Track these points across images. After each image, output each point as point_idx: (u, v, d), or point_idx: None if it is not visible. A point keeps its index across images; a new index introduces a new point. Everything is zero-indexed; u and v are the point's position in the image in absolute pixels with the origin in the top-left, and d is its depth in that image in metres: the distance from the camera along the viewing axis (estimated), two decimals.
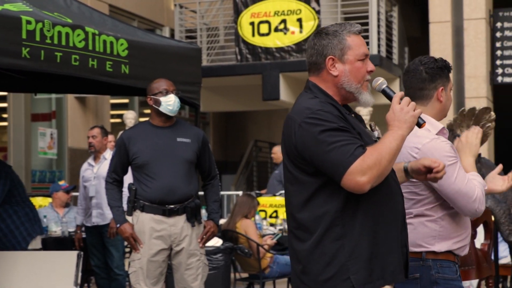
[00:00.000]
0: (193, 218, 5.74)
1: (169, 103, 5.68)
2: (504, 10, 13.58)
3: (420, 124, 3.12)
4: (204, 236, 5.85)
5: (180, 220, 5.69)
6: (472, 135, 3.77)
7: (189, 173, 5.75)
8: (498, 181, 3.82)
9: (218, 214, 6.03)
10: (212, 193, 6.00)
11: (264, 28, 13.78)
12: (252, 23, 13.84)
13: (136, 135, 5.75)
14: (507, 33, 13.29)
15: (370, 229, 3.02)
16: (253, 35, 13.81)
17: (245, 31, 13.85)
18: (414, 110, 3.05)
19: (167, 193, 5.62)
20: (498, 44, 13.28)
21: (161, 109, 5.70)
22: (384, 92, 3.22)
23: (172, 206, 5.65)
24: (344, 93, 3.14)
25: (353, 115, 3.19)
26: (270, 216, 10.95)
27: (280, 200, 11.23)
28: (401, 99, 3.08)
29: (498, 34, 13.31)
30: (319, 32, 3.21)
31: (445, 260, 3.62)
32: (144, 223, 5.64)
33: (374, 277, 3.02)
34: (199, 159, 5.85)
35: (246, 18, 13.88)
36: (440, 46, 12.58)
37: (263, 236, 8.63)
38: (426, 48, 12.90)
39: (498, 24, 13.32)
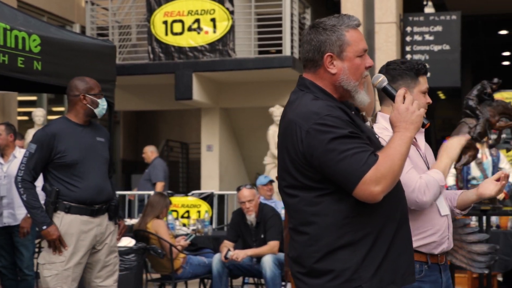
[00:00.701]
0: (115, 216, 5.71)
1: (104, 107, 5.61)
2: (414, 14, 13.83)
3: (424, 124, 3.04)
4: (120, 233, 5.88)
5: (104, 219, 5.63)
6: (456, 140, 3.81)
7: (107, 173, 5.72)
8: (489, 185, 3.79)
9: (121, 212, 6.06)
10: (113, 191, 5.96)
11: (177, 27, 13.69)
12: (165, 22, 13.74)
13: (61, 132, 5.52)
14: (416, 37, 13.53)
15: (381, 233, 2.90)
16: (166, 34, 13.71)
17: (158, 30, 13.74)
18: (418, 109, 2.92)
19: (97, 193, 5.53)
20: (408, 48, 13.51)
21: (97, 111, 5.60)
22: (385, 90, 3.09)
23: (98, 206, 5.56)
24: (342, 91, 3.00)
25: (353, 112, 3.04)
26: (182, 217, 10.89)
27: (192, 200, 11.18)
28: (404, 98, 2.95)
29: (408, 38, 13.54)
30: (316, 26, 3.01)
31: None
32: (72, 225, 5.47)
33: (385, 283, 2.90)
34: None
35: (159, 16, 13.76)
36: None
37: (176, 236, 8.56)
38: None
39: (408, 29, 13.56)
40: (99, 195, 5.55)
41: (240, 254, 7.85)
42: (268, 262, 7.70)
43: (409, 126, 2.87)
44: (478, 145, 9.26)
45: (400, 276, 2.92)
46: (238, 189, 8.22)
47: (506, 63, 26.14)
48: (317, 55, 2.98)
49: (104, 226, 5.62)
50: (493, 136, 6.62)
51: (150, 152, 13.06)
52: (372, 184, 2.76)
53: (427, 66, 3.80)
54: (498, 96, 9.35)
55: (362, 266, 2.86)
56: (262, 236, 8.03)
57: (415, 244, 3.51)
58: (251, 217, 8.04)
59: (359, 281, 2.86)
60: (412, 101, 2.92)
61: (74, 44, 6.32)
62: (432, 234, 3.62)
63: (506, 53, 25.08)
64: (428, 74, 13.34)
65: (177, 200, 10.97)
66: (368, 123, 3.11)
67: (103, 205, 5.61)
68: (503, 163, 9.86)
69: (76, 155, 5.48)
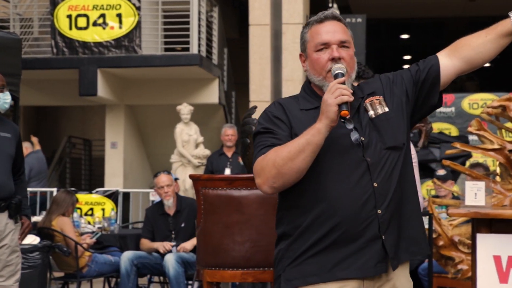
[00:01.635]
0: (16, 214, 5.52)
1: (7, 100, 5.43)
2: None
3: (340, 111, 2.82)
4: (23, 233, 5.67)
5: (3, 217, 5.43)
6: None
7: (10, 169, 5.53)
8: None
9: (29, 210, 5.86)
10: (22, 188, 5.77)
11: (82, 22, 13.47)
12: (69, 16, 13.50)
13: None
14: None
15: (309, 229, 2.93)
16: (70, 28, 13.47)
17: (62, 24, 13.49)
18: (336, 97, 2.80)
19: None
20: None
21: None
22: (335, 77, 2.94)
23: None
24: (319, 88, 3.05)
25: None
26: (86, 214, 10.74)
27: (96, 198, 11.03)
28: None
29: None
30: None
31: None
32: None
33: (304, 274, 2.93)
34: (15, 154, 5.62)
35: (63, 10, 13.51)
36: (259, 48, 12.77)
37: (81, 234, 8.42)
38: (246, 50, 13.07)
39: None
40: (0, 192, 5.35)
41: (188, 246, 7.82)
42: (170, 261, 7.68)
43: (321, 116, 2.83)
44: None
45: (326, 270, 2.92)
46: (156, 176, 8.27)
47: (407, 66, 26.70)
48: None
49: (3, 224, 5.42)
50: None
51: (25, 148, 12.80)
52: (256, 176, 2.91)
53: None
54: None
55: (285, 255, 2.98)
56: (183, 225, 8.03)
57: None
58: (169, 202, 8.05)
59: (281, 269, 2.99)
60: (334, 89, 2.83)
61: None
62: None
63: (407, 57, 25.64)
64: None
65: (81, 198, 10.80)
66: (371, 113, 3.00)
67: (2, 203, 5.40)
68: None
69: None
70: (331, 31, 3.03)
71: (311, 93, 3.07)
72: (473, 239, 4.78)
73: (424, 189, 11.21)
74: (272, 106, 3.07)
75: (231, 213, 4.80)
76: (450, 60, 3.04)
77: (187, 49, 13.38)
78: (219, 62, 14.71)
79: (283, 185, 2.90)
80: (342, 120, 2.94)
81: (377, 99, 3.02)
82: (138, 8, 13.30)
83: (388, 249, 2.90)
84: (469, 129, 5.73)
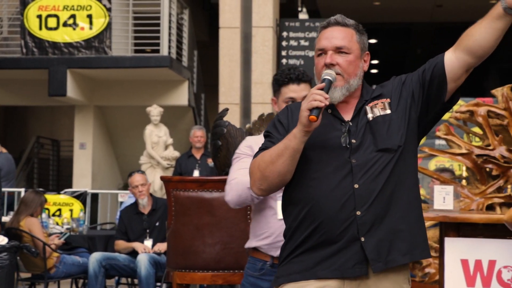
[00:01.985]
0: None
1: None
2: (290, 20, 14.06)
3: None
4: None
5: None
6: None
7: None
8: None
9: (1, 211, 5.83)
10: None
11: (52, 22, 13.40)
12: (39, 16, 13.42)
13: None
14: (292, 42, 13.75)
15: (298, 229, 3.00)
16: (40, 28, 13.40)
17: (32, 24, 13.41)
18: (309, 102, 2.86)
19: None
20: (283, 53, 13.71)
21: None
22: (323, 82, 2.99)
23: None
24: None
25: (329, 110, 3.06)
26: (53, 215, 10.69)
27: (64, 198, 10.98)
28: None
29: (284, 43, 13.75)
30: None
31: (251, 256, 3.82)
32: None
33: (290, 272, 3.01)
34: None
35: (33, 10, 13.44)
36: (229, 51, 12.79)
37: (49, 235, 8.39)
38: (216, 53, 13.10)
39: (284, 33, 13.77)
40: None
41: (163, 248, 7.82)
42: (143, 261, 7.68)
43: (298, 124, 2.90)
44: None
45: (309, 269, 2.97)
46: (130, 175, 8.30)
47: (374, 71, 26.89)
48: None
49: None
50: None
51: None
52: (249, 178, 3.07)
53: (295, 75, 3.85)
54: None
55: (281, 255, 3.07)
56: (157, 224, 8.04)
57: (257, 244, 3.80)
58: (143, 201, 8.07)
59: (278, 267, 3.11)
60: (308, 95, 2.91)
61: None
62: (266, 237, 3.80)
63: (375, 61, 25.79)
64: None
65: (49, 198, 10.74)
66: (369, 115, 3.02)
67: None
68: None
69: None
70: (330, 37, 3.08)
71: None
72: (441, 242, 4.84)
73: None
74: (283, 109, 3.19)
75: (202, 215, 4.82)
76: (454, 54, 3.03)
77: (157, 51, 13.37)
78: (189, 64, 14.72)
79: (269, 188, 3.02)
80: (343, 123, 3.01)
81: (382, 102, 3.05)
82: (109, 10, 13.27)
83: (368, 251, 2.91)
84: (438, 133, 5.80)
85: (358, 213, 2.91)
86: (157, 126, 11.86)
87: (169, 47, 13.40)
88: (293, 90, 3.83)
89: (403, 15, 18.48)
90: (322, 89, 2.93)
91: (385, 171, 2.96)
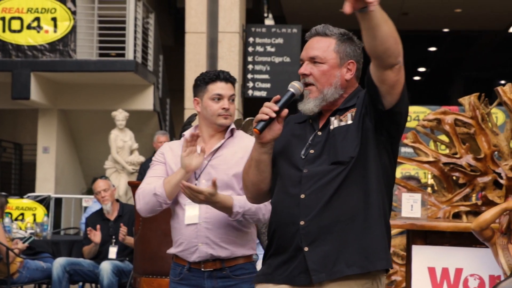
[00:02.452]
0: None
1: None
2: (256, 26, 14.05)
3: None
4: None
5: None
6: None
7: None
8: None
9: None
10: None
11: (15, 25, 13.27)
12: (3, 18, 13.28)
13: None
14: (258, 48, 13.75)
15: (272, 237, 3.10)
16: (4, 31, 13.25)
17: None
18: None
19: None
20: (249, 59, 13.70)
21: None
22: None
23: None
24: None
25: (308, 120, 3.13)
26: (16, 219, 10.57)
27: (27, 203, 10.87)
28: None
29: (250, 49, 13.74)
30: None
31: (173, 261, 3.95)
32: None
33: (260, 273, 3.15)
34: None
35: None
36: (195, 56, 12.76)
37: (13, 239, 8.29)
38: (182, 58, 13.05)
39: (251, 39, 13.76)
40: None
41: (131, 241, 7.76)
42: (106, 270, 7.63)
43: None
44: None
45: (270, 272, 3.07)
46: (93, 181, 8.27)
47: None
48: None
49: None
50: None
51: None
52: None
53: (223, 74, 3.95)
54: None
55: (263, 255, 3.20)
56: None
57: (173, 251, 3.92)
58: (107, 206, 8.02)
59: None
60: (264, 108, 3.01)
61: None
62: (180, 243, 3.89)
63: None
64: (268, 85, 13.67)
65: (11, 202, 10.63)
66: (331, 127, 3.04)
67: None
68: None
69: None
70: (307, 47, 3.10)
71: None
72: (408, 250, 4.86)
73: None
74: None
75: (169, 221, 4.79)
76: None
77: (122, 55, 13.30)
78: (155, 68, 14.66)
79: (252, 196, 3.23)
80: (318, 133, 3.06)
81: (350, 112, 3.03)
82: (74, 13, 13.17)
83: (310, 262, 2.92)
84: (405, 141, 5.82)
85: (302, 223, 2.94)
86: (122, 130, 11.79)
87: (135, 51, 13.33)
88: (221, 87, 3.91)
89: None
90: (278, 101, 2.97)
91: (334, 182, 2.94)
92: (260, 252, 4.31)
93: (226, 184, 3.82)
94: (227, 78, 3.95)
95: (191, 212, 3.86)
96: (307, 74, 3.05)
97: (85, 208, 10.58)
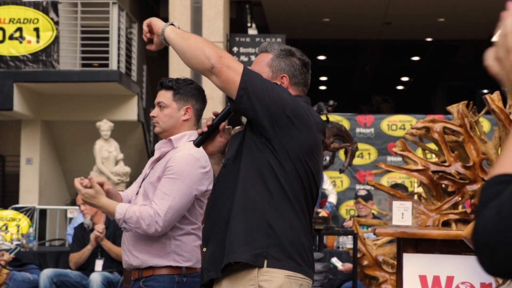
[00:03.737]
0: None
1: None
2: (240, 35, 14.06)
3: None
4: None
5: None
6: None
7: None
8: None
9: None
10: None
11: None
12: None
13: None
14: (242, 57, 13.74)
15: None
16: None
17: None
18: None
19: None
20: None
21: None
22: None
23: None
24: None
25: None
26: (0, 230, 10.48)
27: (10, 214, 10.78)
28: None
29: None
30: None
31: None
32: None
33: None
34: None
35: None
36: (179, 66, 12.72)
37: None
38: (166, 68, 13.02)
39: (235, 49, 13.75)
40: None
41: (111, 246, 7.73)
42: (96, 281, 7.57)
43: None
44: None
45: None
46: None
47: (323, 87, 27.04)
48: None
49: None
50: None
51: None
52: None
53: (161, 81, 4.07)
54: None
55: None
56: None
57: None
58: (86, 220, 7.96)
59: None
60: None
61: None
62: None
63: (323, 78, 25.95)
64: None
65: None
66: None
67: None
68: (326, 184, 10.18)
69: None
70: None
71: None
72: (399, 258, 4.85)
73: (344, 209, 11.34)
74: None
75: None
76: None
77: (106, 65, 13.24)
78: (138, 79, 14.61)
79: None
80: None
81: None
82: (56, 23, 13.11)
83: (204, 262, 3.18)
84: (394, 149, 5.81)
85: (202, 225, 3.40)
86: (107, 141, 11.73)
87: (118, 61, 13.28)
88: (159, 95, 4.01)
89: (352, 32, 18.63)
90: (217, 115, 3.19)
91: (221, 185, 3.21)
92: None
93: (145, 192, 3.88)
94: (162, 84, 4.01)
95: None
96: None
97: (71, 219, 10.51)
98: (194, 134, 3.93)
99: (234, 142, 3.16)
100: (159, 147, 4.01)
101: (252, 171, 3.06)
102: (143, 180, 3.97)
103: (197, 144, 3.22)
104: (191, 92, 4.01)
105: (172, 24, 3.25)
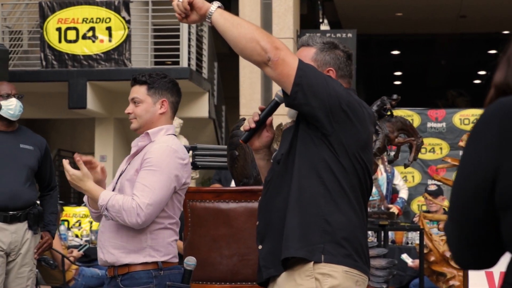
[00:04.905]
0: (36, 225, 5.45)
1: (10, 107, 5.39)
2: (310, 31, 13.97)
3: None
4: (41, 247, 5.60)
5: (21, 227, 5.38)
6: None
7: (31, 180, 5.51)
8: None
9: (55, 227, 5.87)
10: (50, 204, 5.73)
11: (71, 35, 13.40)
12: (59, 29, 13.43)
13: None
14: None
15: None
16: (60, 41, 13.40)
17: (51, 37, 13.42)
18: None
19: (9, 198, 5.29)
20: None
21: (2, 113, 5.40)
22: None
23: (14, 212, 5.32)
24: None
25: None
26: (73, 227, 10.63)
27: (84, 210, 10.93)
28: None
29: None
30: None
31: None
32: None
33: None
34: (40, 167, 5.60)
35: (52, 23, 13.44)
36: (249, 63, 12.64)
37: (68, 247, 8.32)
38: (236, 64, 13.03)
39: None
40: (12, 201, 5.31)
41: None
42: None
43: None
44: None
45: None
46: None
47: (397, 82, 26.74)
48: None
49: (20, 234, 5.38)
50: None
51: None
52: None
53: (133, 77, 3.98)
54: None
55: None
56: None
57: None
58: None
59: None
60: None
61: None
62: None
63: (398, 73, 25.66)
64: None
65: (68, 210, 10.70)
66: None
67: (19, 212, 5.36)
68: (397, 180, 10.02)
69: None
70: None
71: None
72: None
73: (415, 204, 11.16)
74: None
75: (218, 226, 4.73)
76: None
77: (177, 63, 13.32)
78: (209, 76, 14.66)
79: None
80: None
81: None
82: (128, 22, 13.24)
83: (260, 259, 3.11)
84: (460, 143, 5.67)
85: (257, 222, 3.16)
86: (177, 138, 11.77)
87: (189, 58, 13.35)
88: (133, 91, 3.94)
89: (426, 26, 18.35)
90: (263, 110, 3.16)
91: (274, 181, 3.15)
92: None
93: (121, 188, 3.83)
94: (135, 80, 3.93)
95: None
96: None
97: None
98: (171, 128, 3.95)
99: (287, 137, 3.12)
100: (136, 143, 3.95)
101: (307, 166, 3.02)
102: (120, 176, 3.91)
103: (245, 140, 3.16)
104: (165, 85, 3.92)
105: (218, 6, 3.09)
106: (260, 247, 3.09)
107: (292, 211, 2.99)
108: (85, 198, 4.01)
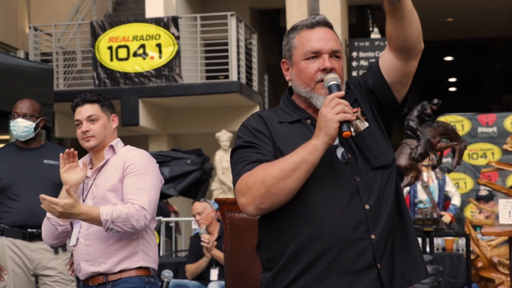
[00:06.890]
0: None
1: (14, 127, 5.39)
2: (359, 40, 13.91)
3: (342, 132, 2.54)
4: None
5: (42, 246, 5.29)
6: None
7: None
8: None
9: None
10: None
11: (122, 53, 13.57)
12: (110, 48, 13.61)
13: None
14: (362, 62, 13.60)
15: (295, 255, 2.65)
16: (111, 59, 13.58)
17: (103, 56, 13.61)
18: (338, 113, 2.52)
19: (29, 216, 5.25)
20: (354, 73, 13.56)
21: (12, 131, 5.45)
22: (329, 89, 2.64)
23: (34, 230, 5.28)
24: (304, 99, 2.76)
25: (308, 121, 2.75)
26: None
27: None
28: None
29: (354, 63, 13.60)
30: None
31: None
32: (5, 249, 5.29)
33: None
34: None
35: (104, 42, 13.64)
36: None
37: None
38: None
39: (354, 54, 13.62)
40: (31, 219, 5.25)
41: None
42: None
43: (318, 132, 2.54)
44: (424, 169, 9.29)
45: None
46: (193, 203, 8.34)
47: (452, 89, 26.43)
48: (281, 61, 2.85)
49: (40, 252, 5.31)
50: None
51: None
52: (239, 195, 2.60)
53: (79, 99, 4.07)
54: (442, 119, 9.38)
55: (272, 285, 2.68)
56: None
57: None
58: (201, 229, 8.01)
59: None
60: (334, 103, 2.54)
61: (9, 66, 6.18)
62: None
63: (452, 79, 25.36)
64: None
65: None
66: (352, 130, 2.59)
67: (39, 230, 5.33)
68: (449, 186, 9.89)
69: (10, 178, 5.30)
70: (323, 38, 2.74)
71: (291, 105, 2.80)
72: (511, 259, 4.63)
73: (468, 211, 10.99)
74: (251, 118, 2.79)
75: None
76: (386, 54, 2.76)
77: (227, 77, 13.39)
78: (260, 88, 14.68)
79: (271, 206, 2.59)
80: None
81: (355, 112, 2.60)
82: (177, 38, 13.35)
83: (384, 279, 2.61)
84: (505, 146, 5.58)
85: (373, 236, 2.60)
86: (227, 151, 11.82)
87: (239, 72, 13.40)
88: (78, 113, 4.01)
89: (478, 30, 18.13)
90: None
91: (388, 189, 2.69)
92: None
93: (104, 198, 3.86)
94: (84, 100, 3.99)
95: (74, 233, 3.93)
96: (332, 68, 2.72)
97: (194, 230, 10.63)
98: (120, 141, 4.07)
99: (379, 140, 2.76)
100: (89, 159, 4.06)
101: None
102: (87, 193, 3.96)
103: (351, 132, 2.56)
104: (108, 102, 4.11)
105: None
106: (378, 265, 2.61)
107: (409, 228, 2.75)
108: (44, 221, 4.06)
